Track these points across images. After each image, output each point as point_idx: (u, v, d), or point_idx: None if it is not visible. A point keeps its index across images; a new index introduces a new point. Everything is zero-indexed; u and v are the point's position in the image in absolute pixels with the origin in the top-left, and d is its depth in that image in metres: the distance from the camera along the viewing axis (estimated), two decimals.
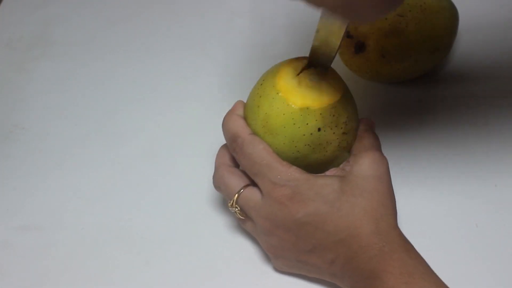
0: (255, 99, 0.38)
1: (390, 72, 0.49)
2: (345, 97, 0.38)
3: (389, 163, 0.42)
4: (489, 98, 0.51)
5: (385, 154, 0.44)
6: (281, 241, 0.38)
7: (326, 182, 0.36)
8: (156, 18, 0.62)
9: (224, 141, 0.40)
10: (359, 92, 0.52)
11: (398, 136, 0.48)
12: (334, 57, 0.38)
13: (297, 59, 0.39)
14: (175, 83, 0.55)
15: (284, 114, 0.37)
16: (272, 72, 0.39)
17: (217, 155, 0.41)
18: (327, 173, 0.39)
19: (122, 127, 0.51)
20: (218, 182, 0.40)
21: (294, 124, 0.37)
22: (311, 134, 0.37)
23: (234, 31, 0.60)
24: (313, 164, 0.39)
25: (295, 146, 0.37)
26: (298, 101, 0.37)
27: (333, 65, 0.39)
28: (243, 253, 0.42)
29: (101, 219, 0.45)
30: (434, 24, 0.48)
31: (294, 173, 0.36)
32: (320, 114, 0.37)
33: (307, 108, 0.37)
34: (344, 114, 0.38)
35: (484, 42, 0.55)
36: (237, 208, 0.39)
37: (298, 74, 0.38)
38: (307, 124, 0.37)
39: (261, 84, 0.39)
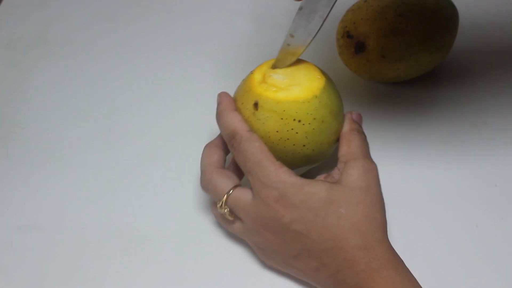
0: (286, 123, 0.38)
1: (390, 72, 0.49)
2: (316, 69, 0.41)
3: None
4: (489, 98, 0.51)
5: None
6: (268, 243, 0.38)
7: (313, 190, 0.36)
8: (156, 18, 0.62)
9: (207, 141, 0.41)
10: (359, 92, 0.52)
11: (398, 136, 0.48)
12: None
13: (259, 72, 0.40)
14: (174, 83, 0.55)
15: (316, 108, 0.38)
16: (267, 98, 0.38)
17: (203, 155, 0.41)
18: (317, 178, 0.38)
19: (122, 127, 0.51)
20: (206, 184, 0.40)
21: (328, 95, 0.38)
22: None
23: (234, 31, 0.60)
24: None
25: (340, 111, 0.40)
26: (319, 82, 0.38)
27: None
28: (244, 252, 0.42)
29: (101, 219, 0.44)
30: (434, 24, 0.48)
31: (283, 175, 0.36)
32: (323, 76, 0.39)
33: (324, 84, 0.39)
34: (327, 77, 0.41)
35: (484, 42, 0.56)
36: (226, 209, 0.39)
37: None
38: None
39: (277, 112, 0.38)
